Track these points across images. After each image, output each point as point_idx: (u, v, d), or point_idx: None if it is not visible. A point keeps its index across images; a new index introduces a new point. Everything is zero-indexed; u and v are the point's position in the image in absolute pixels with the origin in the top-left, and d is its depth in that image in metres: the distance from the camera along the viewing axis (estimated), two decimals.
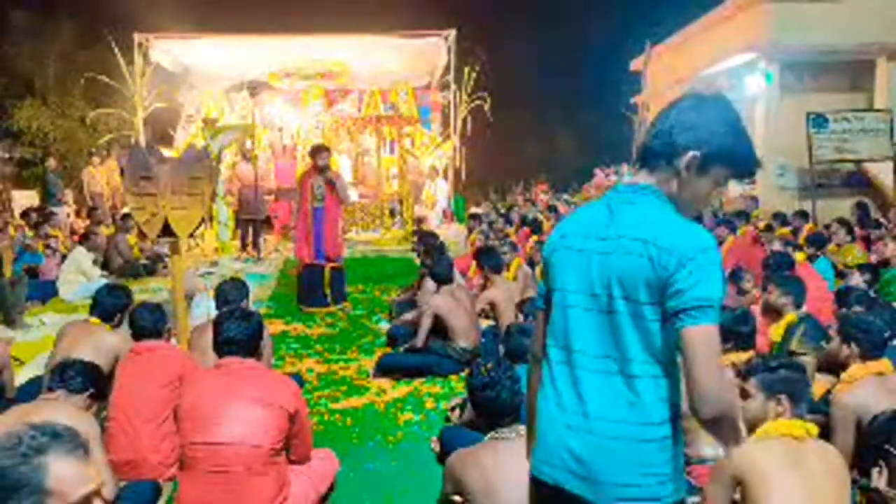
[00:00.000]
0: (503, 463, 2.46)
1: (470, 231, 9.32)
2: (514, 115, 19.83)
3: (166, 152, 10.84)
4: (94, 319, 3.95)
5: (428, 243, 7.03)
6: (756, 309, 4.77)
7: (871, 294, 4.92)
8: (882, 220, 8.68)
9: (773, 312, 4.15)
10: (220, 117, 13.13)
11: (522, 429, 2.57)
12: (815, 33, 12.39)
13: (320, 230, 6.84)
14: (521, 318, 4.72)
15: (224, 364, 2.97)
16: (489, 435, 2.64)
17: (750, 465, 2.39)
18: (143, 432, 3.25)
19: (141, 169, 4.95)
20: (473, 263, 7.43)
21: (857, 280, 5.23)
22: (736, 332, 3.53)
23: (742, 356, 3.55)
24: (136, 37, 12.34)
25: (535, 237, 8.57)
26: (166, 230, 4.98)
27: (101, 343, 3.73)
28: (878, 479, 2.40)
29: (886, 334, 3.19)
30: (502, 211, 12.00)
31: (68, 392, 2.84)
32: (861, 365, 3.06)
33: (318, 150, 6.94)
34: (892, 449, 2.37)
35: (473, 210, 12.73)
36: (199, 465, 2.78)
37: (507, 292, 5.61)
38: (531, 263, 7.36)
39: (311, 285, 6.93)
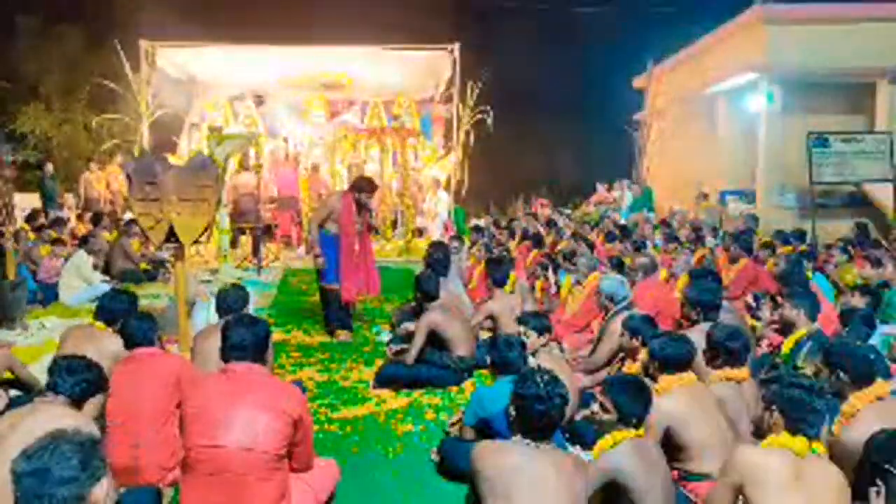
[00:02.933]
0: (524, 468, 2.45)
1: (473, 244, 9.34)
2: (516, 129, 19.88)
3: (172, 159, 10.91)
4: (99, 324, 3.97)
5: (429, 255, 7.03)
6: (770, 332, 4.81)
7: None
8: (883, 241, 8.70)
9: (787, 326, 4.18)
10: (225, 125, 13.18)
11: (552, 446, 2.59)
12: (816, 55, 12.50)
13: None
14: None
15: (230, 369, 2.98)
16: (519, 440, 2.60)
17: (752, 474, 2.41)
18: (142, 436, 3.26)
19: (147, 175, 5.00)
20: (475, 275, 7.45)
21: (856, 301, 5.25)
22: (727, 349, 3.51)
23: (735, 373, 3.54)
24: (142, 44, 12.40)
25: (535, 252, 8.60)
26: (170, 236, 5.03)
27: (104, 348, 3.74)
28: (877, 500, 2.40)
29: (872, 356, 3.12)
30: (503, 224, 12.03)
31: (65, 395, 2.85)
32: (859, 394, 2.98)
33: (367, 189, 6.34)
34: (892, 469, 2.37)
35: (475, 223, 12.75)
36: (202, 470, 2.79)
37: (508, 305, 5.63)
38: (533, 276, 7.37)
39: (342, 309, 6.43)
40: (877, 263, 6.53)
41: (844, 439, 2.89)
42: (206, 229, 5.08)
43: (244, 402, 2.84)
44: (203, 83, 13.42)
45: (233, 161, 11.29)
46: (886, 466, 2.41)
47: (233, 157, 10.45)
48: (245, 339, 2.97)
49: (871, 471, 2.49)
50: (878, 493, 2.42)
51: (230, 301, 4.19)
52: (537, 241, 9.08)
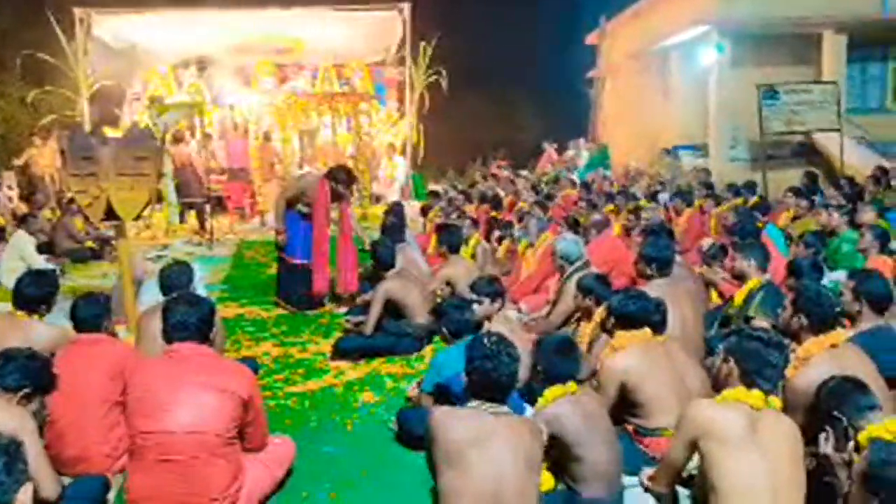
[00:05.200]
0: (478, 435, 2.41)
1: (430, 209, 9.25)
2: (472, 92, 19.67)
3: (112, 132, 10.47)
4: (20, 313, 3.63)
5: (386, 221, 6.94)
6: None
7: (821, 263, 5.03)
8: (836, 190, 8.82)
9: (739, 278, 4.23)
10: (169, 94, 12.72)
11: (506, 410, 2.55)
12: (764, 6, 12.56)
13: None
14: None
15: (174, 350, 2.88)
16: (474, 404, 2.56)
17: (708, 428, 2.43)
18: (88, 424, 3.13)
19: (82, 150, 4.78)
20: (433, 241, 7.38)
21: (801, 251, 5.32)
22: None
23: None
24: (77, 12, 11.82)
25: (494, 213, 8.56)
26: (111, 213, 4.83)
27: (32, 336, 3.44)
28: (825, 445, 2.44)
29: (837, 308, 3.16)
30: (461, 188, 11.95)
31: (2, 390, 2.70)
32: (815, 340, 3.02)
33: (345, 180, 6.09)
34: (839, 415, 2.41)
35: (433, 187, 12.64)
36: (150, 455, 2.71)
37: (465, 270, 5.57)
38: (488, 240, 7.34)
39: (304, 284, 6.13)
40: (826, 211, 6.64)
41: (796, 383, 2.93)
42: (147, 204, 4.89)
43: (190, 384, 2.75)
44: (144, 51, 12.88)
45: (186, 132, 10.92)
46: (834, 412, 2.45)
47: (180, 126, 10.08)
48: (188, 319, 2.86)
49: (820, 417, 2.53)
50: (826, 438, 2.47)
51: (173, 279, 4.02)
52: (496, 202, 9.04)
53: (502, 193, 10.43)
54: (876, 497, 1.91)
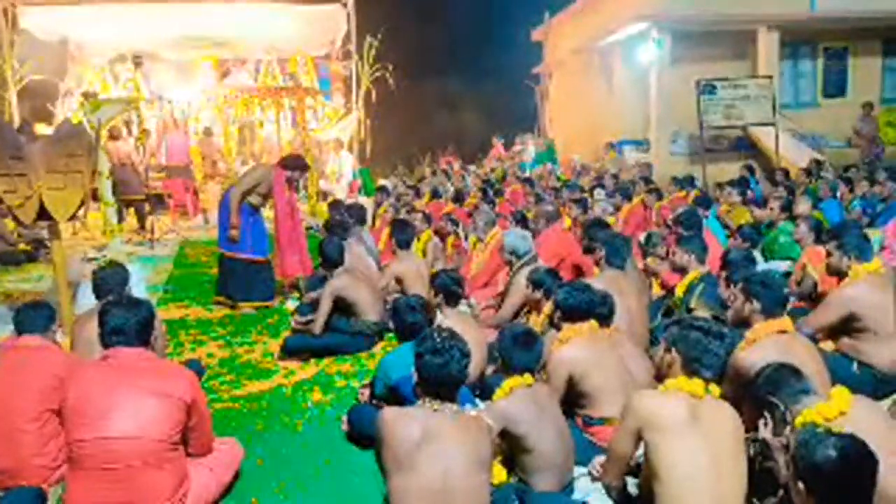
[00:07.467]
0: (427, 436, 2.38)
1: (378, 204, 9.19)
2: (419, 87, 19.65)
3: (46, 129, 10.03)
4: None
5: (332, 218, 6.85)
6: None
7: (757, 254, 5.22)
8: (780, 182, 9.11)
9: (680, 271, 4.32)
10: (105, 90, 12.26)
11: (455, 408, 2.51)
12: (701, 3, 12.92)
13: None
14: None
15: (111, 355, 2.77)
16: (424, 404, 2.51)
17: (650, 418, 2.46)
18: (23, 435, 2.97)
19: (9, 148, 4.56)
20: (384, 236, 7.34)
21: (739, 244, 5.49)
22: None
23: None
24: (1, 2, 11.27)
25: (450, 207, 8.54)
26: (43, 213, 4.63)
27: None
28: (765, 431, 2.51)
29: (785, 290, 3.28)
30: (409, 183, 11.91)
31: None
32: (764, 323, 3.10)
33: (300, 167, 6.31)
34: (776, 401, 2.48)
35: (381, 183, 12.57)
36: (88, 463, 2.60)
37: (414, 266, 5.56)
38: (441, 233, 7.35)
39: (252, 278, 6.17)
40: (764, 204, 6.89)
41: (740, 361, 3.00)
42: (82, 203, 4.70)
43: (129, 389, 2.65)
44: (77, 45, 12.38)
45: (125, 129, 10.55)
46: (771, 399, 2.52)
47: (111, 123, 9.71)
48: (126, 323, 2.76)
49: (759, 403, 2.60)
50: (765, 424, 2.54)
51: (106, 281, 3.86)
52: (456, 197, 9.01)
53: (451, 187, 10.42)
54: (801, 479, 1.97)
